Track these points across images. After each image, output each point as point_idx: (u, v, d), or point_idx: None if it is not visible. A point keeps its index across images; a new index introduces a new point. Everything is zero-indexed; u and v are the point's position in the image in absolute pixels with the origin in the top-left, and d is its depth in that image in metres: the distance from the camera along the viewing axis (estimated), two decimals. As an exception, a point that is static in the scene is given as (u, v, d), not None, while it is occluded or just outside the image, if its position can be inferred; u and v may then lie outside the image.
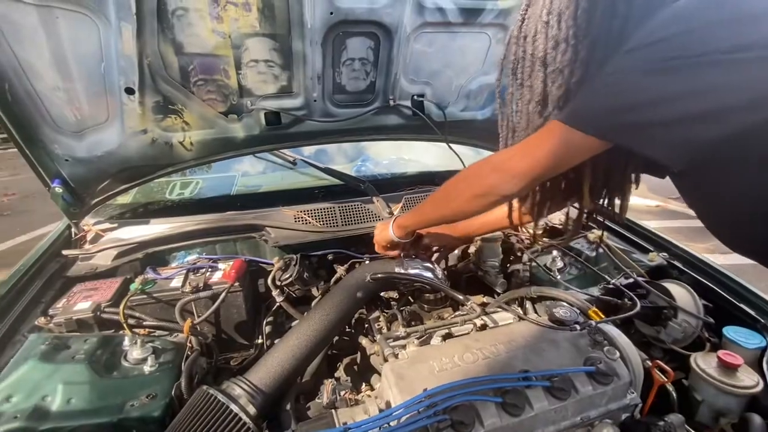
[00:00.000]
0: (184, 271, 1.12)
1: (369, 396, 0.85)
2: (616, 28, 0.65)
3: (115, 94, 1.03)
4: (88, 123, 1.06)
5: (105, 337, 0.90)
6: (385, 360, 0.84)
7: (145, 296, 1.04)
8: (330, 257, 1.25)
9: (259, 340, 1.19)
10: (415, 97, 1.35)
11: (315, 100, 1.23)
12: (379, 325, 1.07)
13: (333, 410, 0.77)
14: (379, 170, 1.61)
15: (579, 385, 0.74)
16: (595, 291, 1.10)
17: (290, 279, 1.14)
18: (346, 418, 0.75)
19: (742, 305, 0.96)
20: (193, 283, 1.07)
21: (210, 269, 1.13)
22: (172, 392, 0.80)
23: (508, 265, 1.31)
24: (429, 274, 1.09)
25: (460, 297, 1.00)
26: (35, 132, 1.01)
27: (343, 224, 1.27)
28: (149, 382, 0.81)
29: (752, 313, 0.94)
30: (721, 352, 0.83)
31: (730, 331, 0.91)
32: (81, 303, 1.00)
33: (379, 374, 0.99)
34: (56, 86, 0.96)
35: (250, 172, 1.51)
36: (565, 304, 0.96)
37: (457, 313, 1.06)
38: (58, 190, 1.10)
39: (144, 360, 0.85)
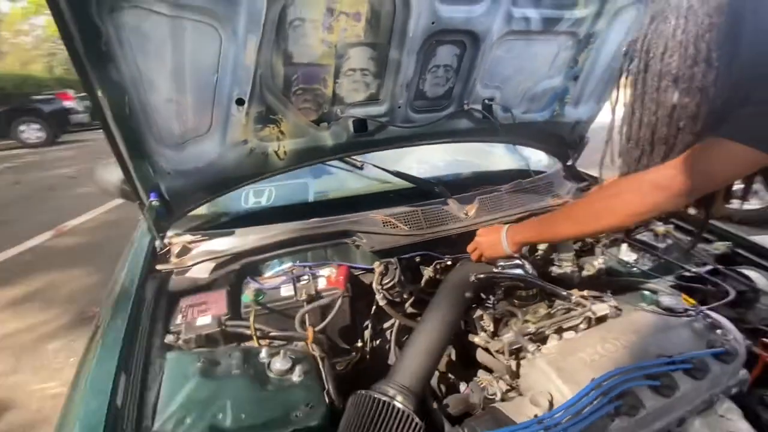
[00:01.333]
0: (290, 280, 1.12)
1: (512, 390, 0.90)
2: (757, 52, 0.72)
3: (222, 104, 1.01)
4: (189, 135, 1.04)
5: (245, 350, 0.90)
6: (516, 354, 0.90)
7: (259, 307, 1.04)
8: (417, 259, 1.29)
9: (359, 344, 1.21)
10: (486, 101, 1.40)
11: (399, 107, 1.26)
12: (484, 322, 1.12)
13: (495, 405, 0.81)
14: (437, 173, 1.65)
15: (711, 365, 0.82)
16: (670, 280, 1.19)
17: (392, 282, 1.17)
18: (511, 413, 0.80)
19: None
20: (307, 292, 1.08)
21: (312, 277, 1.15)
22: (325, 397, 0.82)
23: (578, 257, 1.39)
24: (521, 271, 1.15)
25: (564, 292, 1.06)
26: (143, 146, 0.98)
27: (427, 227, 1.31)
28: (303, 392, 0.82)
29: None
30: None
31: None
32: (201, 318, 0.99)
33: (487, 370, 1.05)
34: (170, 98, 0.94)
35: (319, 178, 1.51)
36: (666, 292, 1.05)
37: (566, 306, 1.11)
38: (156, 203, 1.07)
39: (289, 370, 0.86)
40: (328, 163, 1.50)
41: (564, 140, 1.65)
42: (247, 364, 0.86)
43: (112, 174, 1.46)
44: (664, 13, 0.77)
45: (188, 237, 1.23)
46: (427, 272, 1.25)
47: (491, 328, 1.10)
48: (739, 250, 1.25)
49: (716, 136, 0.73)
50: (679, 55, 0.76)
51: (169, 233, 1.23)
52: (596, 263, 1.33)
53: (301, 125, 1.17)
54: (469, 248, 1.17)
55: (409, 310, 1.22)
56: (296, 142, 1.19)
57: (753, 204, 3.03)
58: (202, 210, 1.35)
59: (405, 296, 1.21)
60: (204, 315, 1.00)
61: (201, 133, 1.05)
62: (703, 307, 0.95)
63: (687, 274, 1.19)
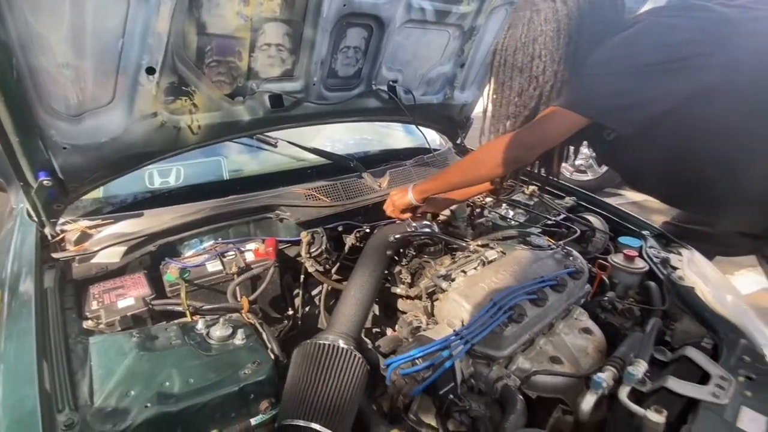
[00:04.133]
0: (215, 256, 1.12)
1: (431, 322, 1.07)
2: (572, 50, 1.01)
3: (128, 73, 0.94)
4: (88, 106, 0.94)
5: (181, 324, 0.89)
6: (430, 296, 1.09)
7: (186, 284, 1.02)
8: (340, 229, 1.38)
9: (290, 312, 1.27)
10: (391, 82, 1.54)
11: (314, 84, 1.32)
12: (402, 276, 1.28)
13: (420, 333, 0.97)
14: (349, 150, 1.75)
15: (568, 281, 1.11)
16: (538, 227, 1.53)
17: (319, 250, 1.24)
18: (433, 336, 0.97)
19: (626, 224, 1.50)
20: (236, 265, 1.09)
21: (238, 252, 1.16)
22: (270, 354, 0.88)
23: (472, 219, 1.65)
24: (430, 230, 1.34)
25: (463, 243, 1.29)
26: (31, 117, 0.86)
27: (347, 198, 1.41)
28: (248, 353, 0.87)
29: (633, 228, 1.48)
30: (624, 250, 1.32)
31: (622, 239, 1.42)
32: (122, 301, 0.93)
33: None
34: (65, 63, 0.85)
35: (232, 156, 1.47)
36: (535, 235, 1.34)
37: (465, 254, 1.33)
38: (47, 183, 0.95)
39: (231, 335, 0.89)
40: (241, 141, 1.48)
41: (453, 120, 1.90)
42: (186, 336, 0.86)
43: None
44: (516, 22, 1.06)
45: (86, 222, 1.11)
46: (350, 239, 1.35)
47: (408, 279, 1.26)
48: (582, 203, 1.65)
49: (558, 104, 1.00)
50: (522, 53, 1.04)
51: (62, 219, 1.10)
52: (484, 221, 1.60)
53: (216, 99, 1.14)
54: (385, 206, 1.32)
55: (335, 276, 1.32)
56: (210, 116, 1.16)
57: (589, 176, 3.86)
58: (97, 194, 1.22)
59: (330, 263, 1.30)
60: (124, 298, 0.94)
61: (102, 104, 0.96)
62: (560, 242, 1.26)
63: (548, 222, 1.54)
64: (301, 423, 0.76)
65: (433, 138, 2.03)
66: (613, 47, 0.97)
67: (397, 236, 1.23)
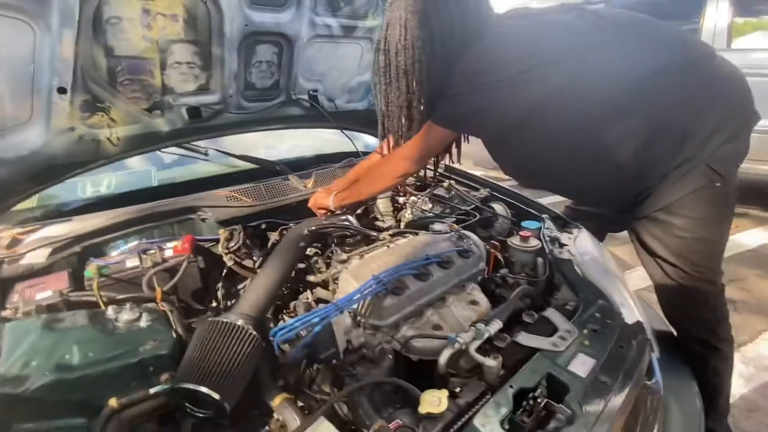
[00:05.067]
0: (136, 254, 1.24)
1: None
2: (442, 57, 1.15)
3: (42, 94, 1.08)
4: (9, 122, 1.07)
5: (91, 311, 1.01)
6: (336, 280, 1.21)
7: (104, 278, 1.14)
8: (263, 226, 1.51)
9: (214, 304, 1.38)
10: (310, 92, 1.69)
11: (231, 96, 1.46)
12: (318, 264, 1.41)
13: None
14: (281, 156, 1.89)
15: (455, 259, 1.25)
16: (452, 216, 1.67)
17: (237, 245, 1.37)
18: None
19: (529, 209, 1.65)
20: (152, 260, 1.21)
21: (158, 249, 1.28)
22: (173, 334, 1.00)
23: (396, 213, 1.80)
24: (347, 224, 1.48)
25: (374, 233, 1.43)
26: (-49, 133, 0.99)
27: (269, 198, 1.54)
28: (151, 331, 0.98)
29: (535, 212, 1.63)
30: (521, 232, 1.47)
31: (524, 223, 1.57)
32: (40, 293, 1.05)
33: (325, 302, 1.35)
34: (-19, 87, 0.98)
35: (163, 167, 1.61)
36: (439, 222, 1.49)
37: (375, 243, 1.47)
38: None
39: (137, 319, 1.01)
40: (172, 151, 1.62)
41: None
42: (93, 320, 0.97)
43: None
44: (392, 21, 1.16)
45: (17, 229, 1.23)
46: (273, 236, 1.48)
47: (324, 268, 1.39)
48: (494, 193, 1.81)
49: (430, 120, 1.15)
50: (404, 55, 1.16)
51: (-3, 227, 1.21)
52: (407, 215, 1.74)
53: (133, 113, 1.28)
54: (310, 203, 1.46)
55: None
56: (129, 128, 1.29)
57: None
58: (31, 203, 1.34)
59: (254, 259, 1.43)
60: (43, 291, 1.06)
61: (22, 121, 1.09)
62: (458, 227, 1.40)
63: (459, 212, 1.68)
64: (191, 386, 0.87)
65: (367, 142, 2.18)
66: (474, 63, 1.12)
67: (312, 228, 1.37)
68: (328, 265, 1.41)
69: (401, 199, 1.80)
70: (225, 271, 1.39)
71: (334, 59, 1.66)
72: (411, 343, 1.08)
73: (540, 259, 1.39)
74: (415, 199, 1.81)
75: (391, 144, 1.31)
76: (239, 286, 1.50)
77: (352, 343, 1.05)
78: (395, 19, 1.15)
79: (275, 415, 0.89)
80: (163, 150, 1.50)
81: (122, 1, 1.07)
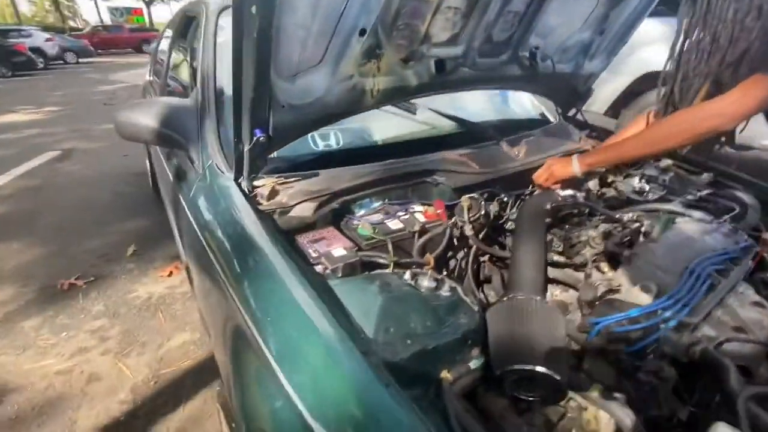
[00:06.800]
0: (392, 216, 1.18)
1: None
2: None
3: (342, 34, 0.98)
4: (303, 65, 0.99)
5: (394, 275, 0.96)
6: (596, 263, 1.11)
7: (375, 239, 1.09)
8: (485, 195, 1.41)
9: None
10: (533, 49, 1.52)
11: (472, 50, 1.32)
12: (554, 244, 1.31)
13: (614, 298, 1.00)
14: (472, 119, 1.75)
15: (742, 256, 1.10)
16: (682, 201, 1.49)
17: (478, 215, 1.28)
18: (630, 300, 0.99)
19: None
20: (416, 224, 1.15)
21: (406, 213, 1.21)
22: (475, 308, 0.93)
23: (600, 190, 1.64)
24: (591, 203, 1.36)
25: (615, 215, 1.29)
26: (267, 74, 0.92)
27: (491, 166, 1.43)
28: (459, 303, 0.92)
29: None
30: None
31: None
32: (335, 250, 1.01)
33: (556, 283, 1.25)
34: (302, 23, 0.89)
35: (377, 122, 1.51)
36: (695, 211, 1.33)
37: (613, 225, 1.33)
38: (262, 140, 1.02)
39: (437, 288, 0.95)
40: (387, 109, 1.51)
41: (576, 91, 1.86)
42: (405, 286, 0.92)
43: (144, 116, 1.32)
44: None
45: (274, 179, 1.19)
46: (494, 207, 1.38)
47: (561, 248, 1.28)
48: (719, 179, 1.61)
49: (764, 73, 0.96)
50: (733, 9, 0.97)
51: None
52: (616, 194, 1.59)
53: (392, 63, 1.17)
54: (538, 175, 1.33)
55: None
56: (386, 80, 1.19)
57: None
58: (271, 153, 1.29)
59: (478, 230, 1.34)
60: (335, 248, 1.02)
61: (313, 64, 1.01)
62: (724, 217, 1.24)
63: (690, 197, 1.51)
64: (526, 367, 0.82)
65: (541, 108, 2.00)
66: None
67: (554, 204, 1.26)
68: (566, 244, 1.31)
69: (611, 177, 1.64)
70: (468, 242, 1.31)
71: (566, 12, 1.47)
72: (721, 347, 0.98)
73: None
74: (621, 178, 1.65)
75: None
76: (459, 257, 1.43)
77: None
78: None
79: (586, 405, 0.82)
80: (380, 107, 1.40)
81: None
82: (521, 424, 0.82)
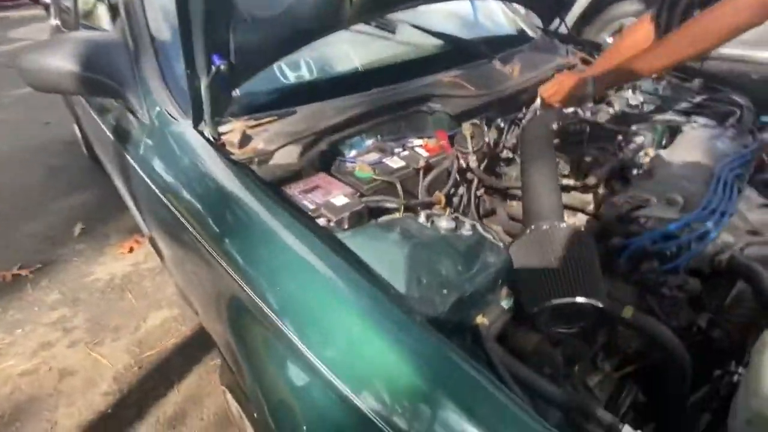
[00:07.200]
0: (390, 154, 1.02)
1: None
2: None
3: None
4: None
5: (408, 218, 0.83)
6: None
7: (377, 182, 0.94)
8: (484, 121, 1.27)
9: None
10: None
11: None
12: (562, 167, 1.21)
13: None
14: (460, 35, 1.54)
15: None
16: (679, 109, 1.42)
17: (482, 144, 1.15)
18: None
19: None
20: (420, 160, 1.00)
21: (405, 148, 1.07)
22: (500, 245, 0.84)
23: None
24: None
25: (622, 130, 1.21)
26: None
27: (489, 86, 1.28)
28: (480, 242, 0.82)
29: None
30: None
31: (764, 118, 1.36)
32: (335, 199, 0.85)
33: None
34: None
35: (354, 46, 1.29)
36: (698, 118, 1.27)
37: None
38: (223, 68, 0.80)
39: (457, 227, 0.84)
40: (360, 28, 1.29)
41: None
42: (422, 229, 0.80)
43: (57, 58, 1.04)
44: None
45: (245, 122, 0.98)
46: (492, 134, 1.25)
47: (568, 170, 1.20)
48: (710, 84, 1.55)
49: None
50: None
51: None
52: (612, 110, 1.49)
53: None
54: (546, 89, 1.19)
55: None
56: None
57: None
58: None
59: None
60: (334, 196, 0.86)
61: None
62: (730, 120, 1.19)
63: (687, 105, 1.45)
64: (565, 301, 0.74)
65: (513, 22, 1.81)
66: None
67: (561, 123, 1.15)
68: (573, 163, 1.23)
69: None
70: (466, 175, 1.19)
71: None
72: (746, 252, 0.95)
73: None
74: (624, 92, 1.55)
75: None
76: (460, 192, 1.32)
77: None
78: None
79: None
80: (350, 28, 1.17)
81: None
82: (557, 356, 0.77)
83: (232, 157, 0.90)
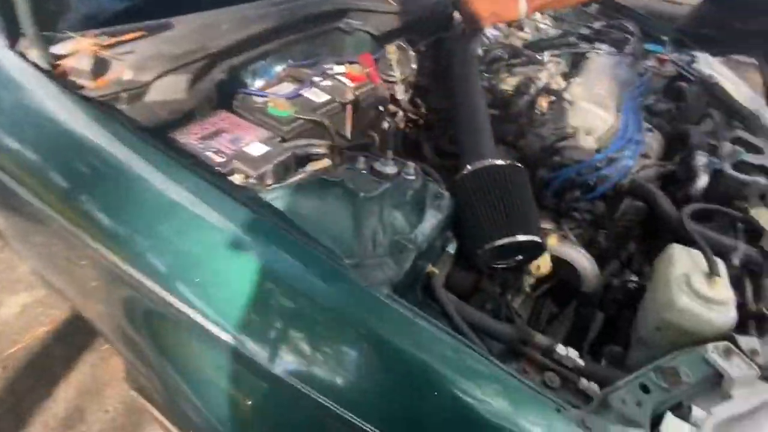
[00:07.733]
0: (308, 85, 0.83)
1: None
2: None
3: None
4: None
5: (349, 168, 0.70)
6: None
7: (299, 121, 0.77)
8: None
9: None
10: None
11: None
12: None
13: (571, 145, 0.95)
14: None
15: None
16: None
17: (409, 71, 1.02)
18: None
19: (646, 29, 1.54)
20: (348, 93, 0.84)
21: (324, 77, 0.88)
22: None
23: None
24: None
25: (538, 56, 1.20)
26: None
27: (413, 2, 1.11)
28: (425, 187, 0.74)
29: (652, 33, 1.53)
30: (658, 55, 1.40)
31: (648, 46, 1.49)
32: (249, 148, 0.67)
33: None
34: None
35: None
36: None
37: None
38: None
39: (399, 173, 0.74)
40: None
41: None
42: (365, 179, 0.69)
43: None
44: None
45: (93, 39, 0.68)
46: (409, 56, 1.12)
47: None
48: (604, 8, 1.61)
49: None
50: None
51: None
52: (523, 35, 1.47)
53: None
54: (475, 8, 1.09)
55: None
56: None
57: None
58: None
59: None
60: (247, 143, 0.67)
61: None
62: (626, 48, 1.27)
63: (588, 32, 1.49)
64: (509, 240, 0.73)
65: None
66: None
67: (484, 49, 1.08)
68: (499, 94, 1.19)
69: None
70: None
71: None
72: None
73: (684, 85, 1.38)
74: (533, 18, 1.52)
75: None
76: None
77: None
78: None
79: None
80: None
81: None
82: (496, 291, 0.79)
83: (84, 92, 0.62)
